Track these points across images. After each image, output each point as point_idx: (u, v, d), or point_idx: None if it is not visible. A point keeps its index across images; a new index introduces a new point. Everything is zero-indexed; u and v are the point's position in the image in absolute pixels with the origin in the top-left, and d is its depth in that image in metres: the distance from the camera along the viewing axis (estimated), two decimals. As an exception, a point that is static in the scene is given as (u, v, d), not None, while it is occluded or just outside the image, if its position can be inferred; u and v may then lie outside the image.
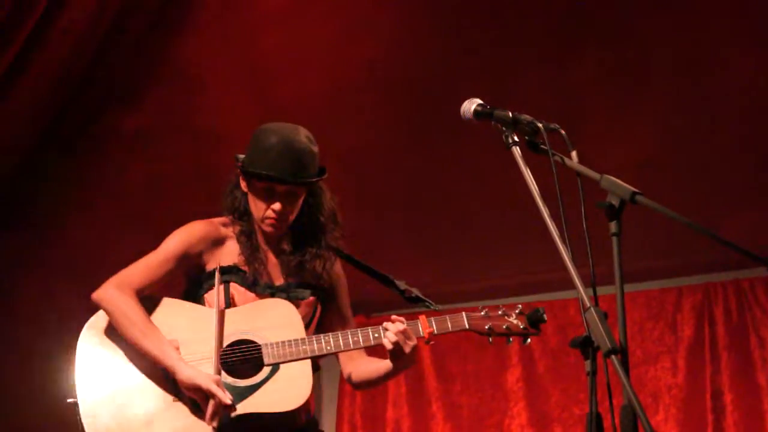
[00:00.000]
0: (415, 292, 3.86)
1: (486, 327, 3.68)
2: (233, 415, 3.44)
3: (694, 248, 5.36)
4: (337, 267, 3.88)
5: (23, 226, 6.14)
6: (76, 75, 5.98)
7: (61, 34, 5.61)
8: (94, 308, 5.78)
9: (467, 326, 3.66)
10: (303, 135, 3.69)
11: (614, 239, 2.61)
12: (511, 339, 3.70)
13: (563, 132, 2.90)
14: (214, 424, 3.41)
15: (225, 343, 3.56)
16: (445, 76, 5.62)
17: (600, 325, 2.48)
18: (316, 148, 3.71)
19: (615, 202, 2.62)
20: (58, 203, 6.17)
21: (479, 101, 3.09)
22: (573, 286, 2.60)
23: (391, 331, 3.60)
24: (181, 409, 3.50)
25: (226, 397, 3.41)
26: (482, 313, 3.71)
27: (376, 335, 3.62)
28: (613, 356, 2.43)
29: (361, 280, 3.93)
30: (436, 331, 3.64)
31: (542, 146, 2.92)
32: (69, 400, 3.55)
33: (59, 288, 6.07)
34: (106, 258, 5.93)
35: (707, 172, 5.54)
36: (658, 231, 5.12)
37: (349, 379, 3.89)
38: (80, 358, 3.58)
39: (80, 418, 3.49)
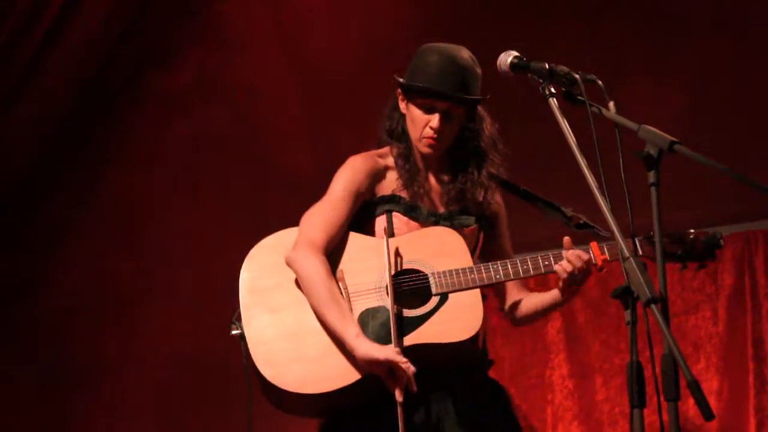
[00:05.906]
0: (583, 218, 3.66)
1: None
2: (405, 345, 3.30)
3: (733, 197, 5.32)
4: (497, 196, 3.73)
5: (63, 188, 6.20)
6: (114, 36, 6.01)
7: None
8: (133, 271, 5.87)
9: (641, 252, 3.44)
10: (466, 54, 3.56)
11: (653, 189, 2.61)
12: (686, 265, 3.58)
13: (600, 83, 2.90)
14: (400, 398, 3.24)
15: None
16: (479, 29, 5.59)
17: (639, 274, 2.49)
18: (479, 70, 3.56)
19: (653, 151, 2.61)
20: (98, 165, 6.22)
21: (515, 53, 3.09)
22: (612, 237, 2.62)
23: (566, 258, 3.46)
24: None
25: (409, 366, 3.23)
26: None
27: (547, 263, 3.48)
28: (653, 305, 2.44)
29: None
30: (609, 258, 3.46)
31: (579, 97, 2.92)
32: (233, 333, 3.42)
33: (101, 249, 6.13)
34: (151, 217, 6.02)
35: (745, 121, 5.49)
36: (697, 180, 5.09)
37: (510, 313, 3.74)
38: (243, 289, 3.47)
39: (247, 349, 3.38)
